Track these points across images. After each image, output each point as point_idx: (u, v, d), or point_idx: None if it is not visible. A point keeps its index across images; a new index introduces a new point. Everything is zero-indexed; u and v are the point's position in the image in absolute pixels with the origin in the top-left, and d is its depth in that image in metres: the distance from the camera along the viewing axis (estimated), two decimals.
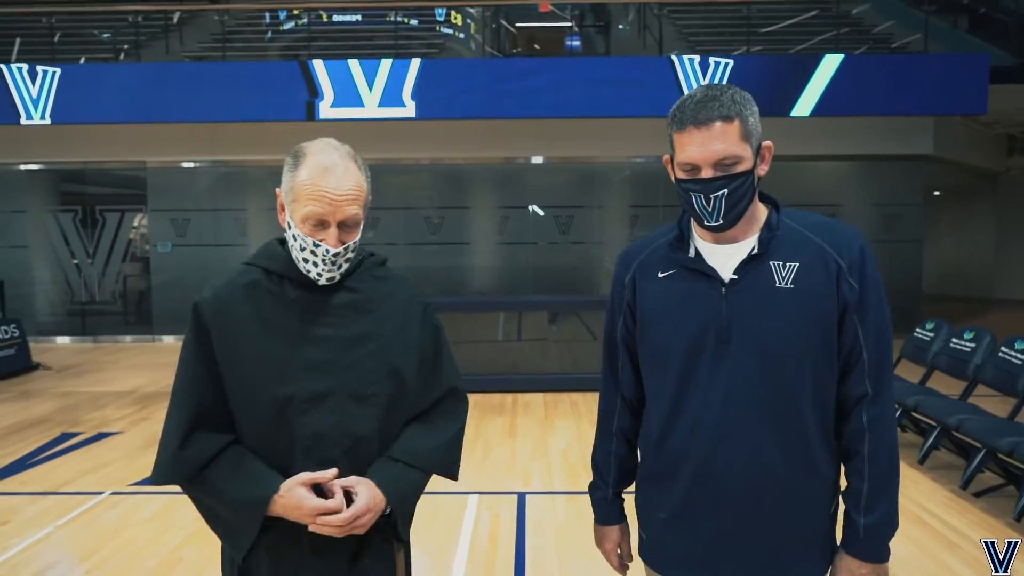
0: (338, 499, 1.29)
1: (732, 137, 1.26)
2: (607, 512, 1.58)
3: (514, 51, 13.04)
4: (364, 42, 11.34)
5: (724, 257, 1.35)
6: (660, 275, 1.41)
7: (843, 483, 1.42)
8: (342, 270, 1.38)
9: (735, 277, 1.33)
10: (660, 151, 7.18)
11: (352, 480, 1.32)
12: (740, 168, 1.28)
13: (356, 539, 1.37)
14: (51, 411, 6.12)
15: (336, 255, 1.34)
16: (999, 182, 12.86)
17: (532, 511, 3.85)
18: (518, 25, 14.05)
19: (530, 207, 10.58)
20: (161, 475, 1.34)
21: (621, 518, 1.59)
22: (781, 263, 1.32)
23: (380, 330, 1.41)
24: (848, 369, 1.35)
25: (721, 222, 1.30)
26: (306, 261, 1.36)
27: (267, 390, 1.33)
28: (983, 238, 12.95)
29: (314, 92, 8.72)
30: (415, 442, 1.43)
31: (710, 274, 1.35)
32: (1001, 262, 12.82)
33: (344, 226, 1.34)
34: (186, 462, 1.32)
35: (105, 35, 11.40)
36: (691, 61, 8.64)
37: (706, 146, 1.26)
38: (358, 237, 1.39)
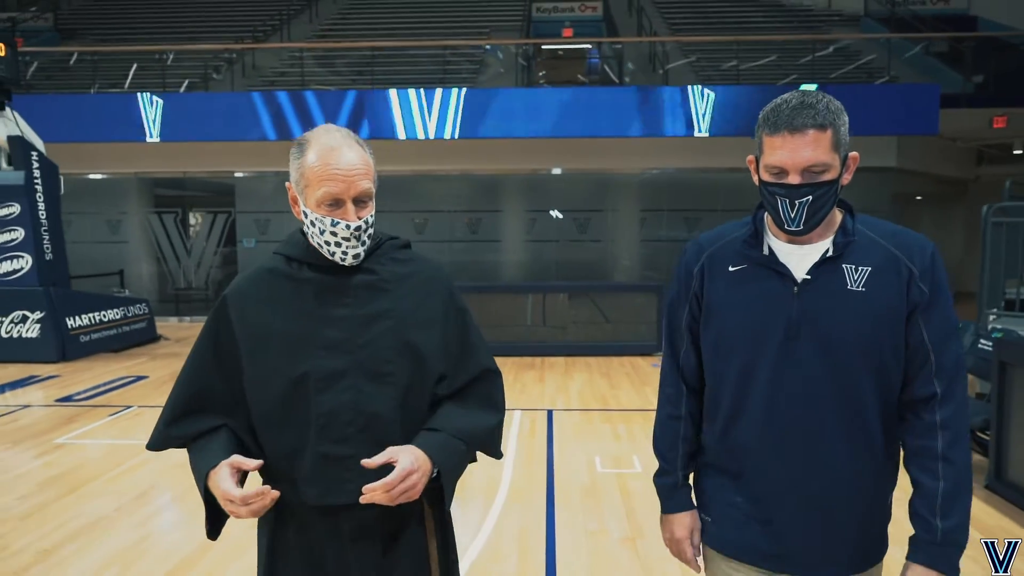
0: (245, 494, 1.25)
1: (824, 146, 1.27)
2: (679, 498, 1.55)
3: (538, 59, 14.87)
4: (413, 66, 13.28)
5: (798, 257, 1.36)
6: (731, 268, 1.42)
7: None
8: (366, 246, 1.39)
9: (808, 277, 1.34)
10: (664, 164, 9.82)
11: (391, 450, 1.30)
12: (827, 176, 1.28)
13: (385, 522, 1.38)
14: None
15: (357, 228, 1.35)
16: (969, 189, 14.50)
17: (557, 420, 5.75)
18: (544, 47, 15.93)
19: (552, 211, 12.48)
20: (151, 443, 1.45)
21: (692, 504, 1.56)
22: (854, 266, 1.33)
23: (396, 308, 1.41)
24: (914, 370, 1.34)
25: (802, 228, 1.31)
26: (328, 244, 1.36)
27: (284, 369, 1.35)
28: (954, 238, 14.60)
29: (360, 115, 10.69)
30: (457, 419, 1.42)
31: (783, 272, 1.35)
32: (969, 260, 14.46)
33: (359, 202, 1.36)
34: (169, 438, 1.42)
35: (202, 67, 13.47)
36: (691, 91, 10.45)
37: (797, 152, 1.26)
38: (373, 212, 1.39)
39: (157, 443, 1.43)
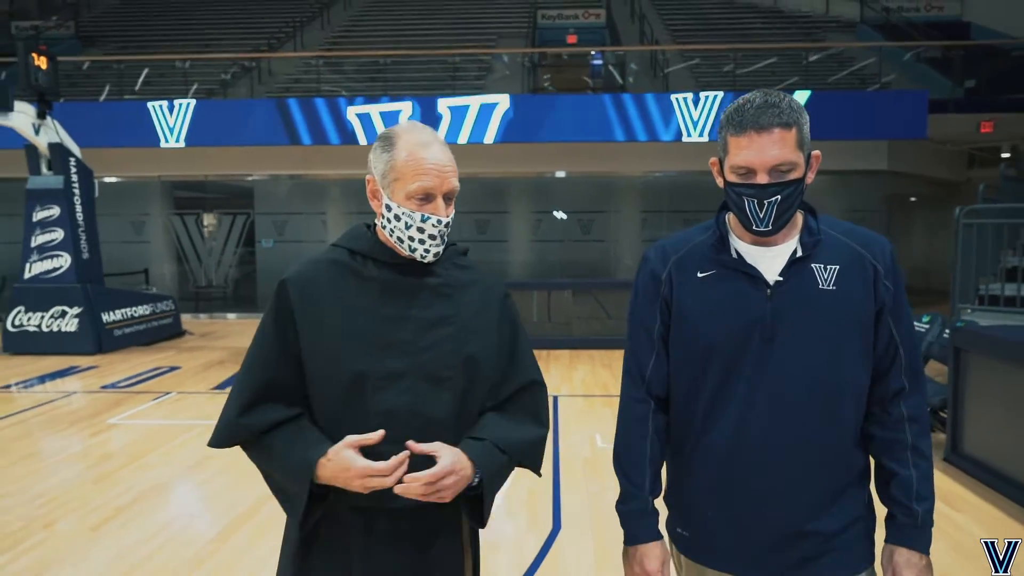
0: (392, 462, 1.25)
1: (790, 144, 1.28)
2: (647, 526, 1.46)
3: (543, 62, 15.40)
4: (424, 72, 13.80)
5: (767, 259, 1.37)
6: (700, 275, 1.41)
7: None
8: (443, 245, 1.40)
9: (780, 279, 1.35)
10: (664, 167, 10.48)
11: (435, 445, 1.31)
12: (794, 175, 1.29)
13: (422, 525, 1.38)
14: (222, 357, 8.69)
15: (447, 224, 1.37)
16: (961, 190, 14.94)
17: (562, 404, 6.27)
18: (550, 52, 16.45)
19: (555, 212, 13.00)
20: (217, 439, 1.38)
21: (661, 535, 1.48)
22: (823, 266, 1.35)
23: (458, 315, 1.42)
24: (885, 366, 1.39)
25: (771, 228, 1.32)
26: (411, 239, 1.37)
27: (345, 365, 1.35)
28: (946, 239, 15.07)
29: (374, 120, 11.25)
30: (503, 429, 1.41)
31: (755, 275, 1.36)
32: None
33: (447, 198, 1.38)
34: (243, 428, 1.35)
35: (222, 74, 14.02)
36: (685, 99, 10.96)
37: (765, 151, 1.27)
38: (453, 212, 1.39)
39: (226, 437, 1.37)
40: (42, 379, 7.42)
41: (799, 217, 1.41)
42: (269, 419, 1.35)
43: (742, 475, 1.37)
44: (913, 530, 1.38)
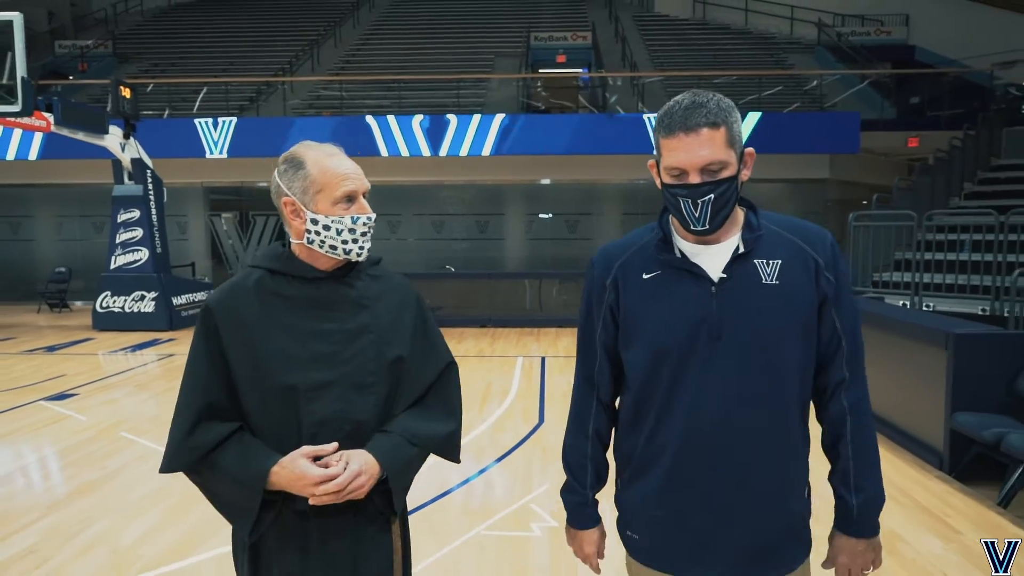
0: (339, 467, 1.38)
1: (719, 143, 1.30)
2: (586, 515, 1.58)
3: (534, 74, 17.27)
4: (430, 89, 15.70)
5: (709, 257, 1.39)
6: (645, 276, 1.43)
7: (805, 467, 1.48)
8: (370, 242, 1.52)
9: (724, 276, 1.36)
10: (641, 176, 13.14)
11: (346, 452, 1.43)
12: (726, 173, 1.31)
13: (356, 519, 1.49)
14: None
15: (374, 219, 1.51)
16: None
17: (549, 362, 8.24)
18: (541, 71, 18.42)
19: (540, 214, 14.97)
20: (168, 463, 1.44)
21: (598, 520, 1.59)
22: (765, 260, 1.37)
23: (376, 323, 1.53)
24: (828, 357, 1.42)
25: (708, 226, 1.33)
26: (345, 243, 1.48)
27: (275, 381, 1.44)
28: None
29: (386, 134, 13.15)
30: (412, 422, 1.54)
31: (699, 274, 1.38)
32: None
33: (365, 197, 1.51)
34: (192, 448, 1.42)
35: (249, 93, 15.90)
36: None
37: (694, 152, 1.29)
38: None
39: (176, 460, 1.43)
40: (142, 346, 9.38)
41: (740, 214, 1.43)
42: (213, 437, 1.42)
43: (690, 474, 1.40)
44: (851, 520, 1.45)
